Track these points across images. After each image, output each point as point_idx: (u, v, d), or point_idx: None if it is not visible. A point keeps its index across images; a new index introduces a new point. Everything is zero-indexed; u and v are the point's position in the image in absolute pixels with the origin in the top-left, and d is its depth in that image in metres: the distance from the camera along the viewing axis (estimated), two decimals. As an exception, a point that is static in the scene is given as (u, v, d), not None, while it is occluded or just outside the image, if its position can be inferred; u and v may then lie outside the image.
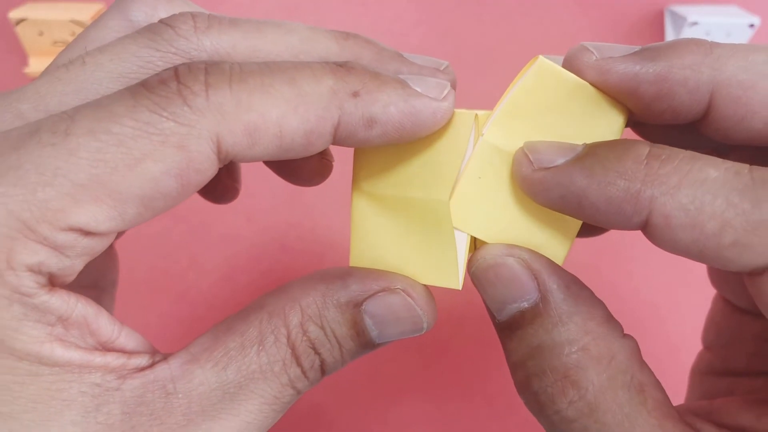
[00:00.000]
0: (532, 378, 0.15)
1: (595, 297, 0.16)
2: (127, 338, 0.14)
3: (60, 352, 0.13)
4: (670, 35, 0.41)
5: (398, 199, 0.17)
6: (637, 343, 0.16)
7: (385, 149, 0.16)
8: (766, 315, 0.14)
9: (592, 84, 0.16)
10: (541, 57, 0.16)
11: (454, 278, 0.17)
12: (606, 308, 0.16)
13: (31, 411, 0.13)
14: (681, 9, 0.41)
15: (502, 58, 0.41)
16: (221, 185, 0.22)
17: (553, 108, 0.16)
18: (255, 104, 0.13)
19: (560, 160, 0.15)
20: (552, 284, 0.16)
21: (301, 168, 0.20)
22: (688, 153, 0.14)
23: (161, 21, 0.15)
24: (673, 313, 0.38)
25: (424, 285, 0.17)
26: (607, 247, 0.38)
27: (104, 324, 0.14)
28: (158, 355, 0.15)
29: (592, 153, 0.15)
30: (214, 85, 0.13)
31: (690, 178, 0.13)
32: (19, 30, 0.42)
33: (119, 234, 0.16)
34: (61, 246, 0.12)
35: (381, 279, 0.16)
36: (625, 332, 0.16)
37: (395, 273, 0.17)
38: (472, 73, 0.41)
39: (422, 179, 0.16)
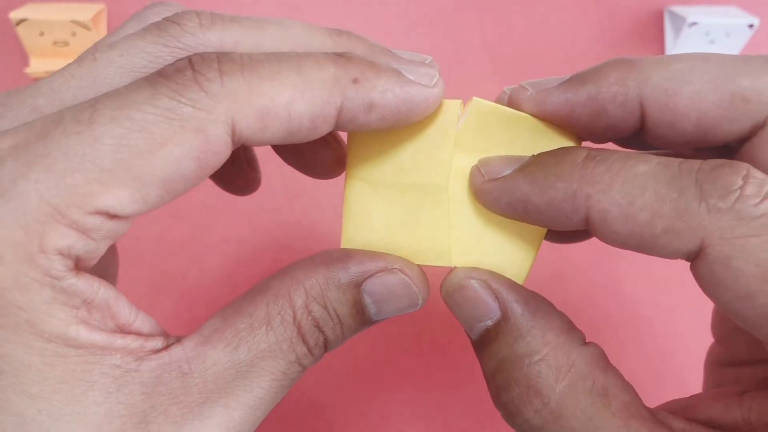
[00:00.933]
0: (501, 390, 0.16)
1: (555, 309, 0.17)
2: (142, 322, 0.15)
3: (85, 334, 0.13)
4: (669, 36, 0.42)
5: (393, 184, 0.18)
6: (600, 349, 0.17)
7: (378, 137, 0.18)
8: (710, 297, 0.14)
9: (533, 116, 0.17)
10: (475, 98, 0.18)
11: (446, 257, 0.18)
12: (566, 319, 0.17)
13: (58, 392, 0.13)
14: (680, 9, 0.41)
15: (502, 59, 0.42)
16: (244, 177, 0.23)
17: (502, 142, 0.18)
18: (266, 90, 0.14)
19: (507, 171, 0.17)
20: (511, 302, 0.17)
21: (319, 160, 0.21)
22: (623, 153, 0.15)
23: (167, 19, 0.16)
24: (671, 314, 0.38)
25: (418, 264, 0.18)
26: (606, 248, 0.38)
27: (123, 308, 0.15)
28: (171, 338, 0.16)
29: (535, 162, 0.16)
30: (227, 72, 0.14)
31: (622, 174, 0.15)
32: (20, 30, 0.42)
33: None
34: (89, 229, 0.13)
35: (379, 260, 0.17)
36: (588, 341, 0.17)
37: (391, 254, 0.18)
38: (471, 73, 0.41)
39: (416, 165, 0.17)
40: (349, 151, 0.18)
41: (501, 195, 0.16)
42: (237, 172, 0.22)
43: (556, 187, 0.15)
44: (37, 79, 0.43)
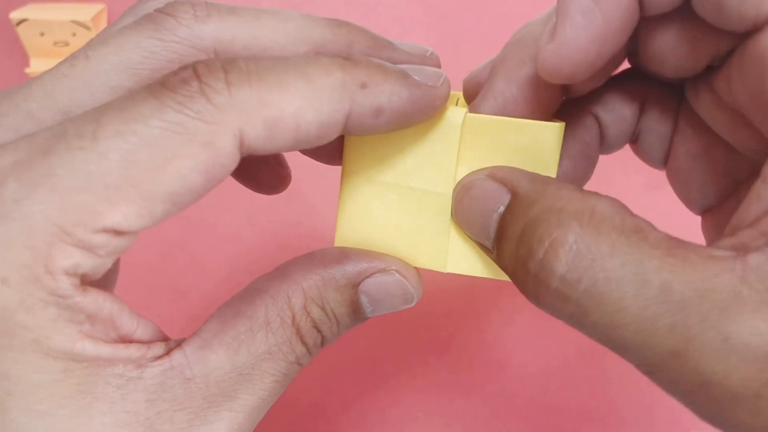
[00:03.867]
0: (527, 262, 0.14)
1: (563, 181, 0.16)
2: (143, 329, 0.15)
3: (90, 348, 0.13)
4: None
5: (393, 185, 0.18)
6: (621, 202, 0.15)
7: (377, 137, 0.17)
8: (748, 84, 0.14)
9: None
10: (467, 114, 0.17)
11: (442, 263, 0.18)
12: (576, 185, 0.16)
13: (65, 407, 0.13)
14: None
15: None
16: (274, 175, 0.22)
17: (495, 148, 0.18)
18: (274, 100, 0.13)
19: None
20: (517, 179, 0.16)
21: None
22: None
23: (160, 11, 0.15)
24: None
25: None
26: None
27: (126, 318, 0.14)
28: (171, 342, 0.15)
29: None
30: (234, 83, 0.13)
31: None
32: (20, 30, 0.42)
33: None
34: (95, 247, 0.13)
35: (376, 260, 0.17)
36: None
37: (387, 254, 0.18)
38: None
39: (420, 171, 0.18)
40: (346, 146, 0.18)
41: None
42: (266, 171, 0.22)
43: None
44: (37, 80, 0.43)
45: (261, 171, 0.22)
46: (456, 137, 0.17)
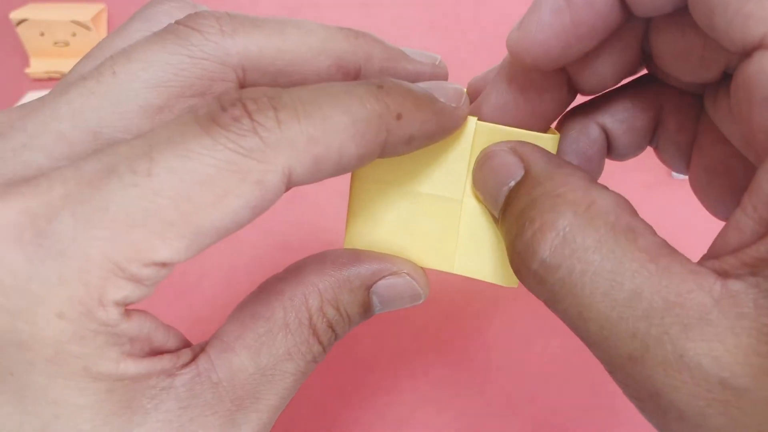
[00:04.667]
0: (516, 239, 0.15)
1: (579, 168, 0.16)
2: (173, 340, 0.15)
3: (132, 368, 0.14)
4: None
5: (405, 190, 0.18)
6: (627, 200, 0.15)
7: None
8: (740, 109, 0.14)
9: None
10: (477, 122, 0.18)
11: (449, 264, 0.19)
12: (589, 175, 0.16)
13: (108, 424, 0.14)
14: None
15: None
16: None
17: None
18: (321, 137, 0.14)
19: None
20: (534, 158, 0.16)
21: None
22: None
23: (185, 24, 0.15)
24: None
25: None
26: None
27: (160, 334, 0.15)
28: (195, 347, 0.16)
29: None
30: (285, 122, 0.13)
31: None
32: (21, 30, 0.42)
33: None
34: (144, 279, 0.13)
35: (387, 263, 0.18)
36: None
37: (397, 257, 0.18)
38: (471, 73, 0.41)
39: (432, 176, 0.18)
40: None
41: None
42: None
43: None
44: (37, 80, 0.43)
45: None
46: (468, 145, 0.18)
